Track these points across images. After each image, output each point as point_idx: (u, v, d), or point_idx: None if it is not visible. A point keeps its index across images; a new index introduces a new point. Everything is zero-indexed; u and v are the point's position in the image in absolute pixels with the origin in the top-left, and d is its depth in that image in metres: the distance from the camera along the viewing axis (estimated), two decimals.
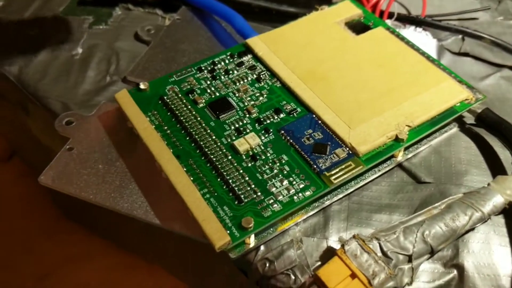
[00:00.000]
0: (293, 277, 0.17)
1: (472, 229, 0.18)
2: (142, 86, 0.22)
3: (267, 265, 0.18)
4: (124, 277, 0.30)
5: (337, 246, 0.18)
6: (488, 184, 0.18)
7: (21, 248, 0.32)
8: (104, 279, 0.31)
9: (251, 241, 0.18)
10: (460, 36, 0.26)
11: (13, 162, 0.37)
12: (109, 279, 0.30)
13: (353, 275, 0.16)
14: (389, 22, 0.26)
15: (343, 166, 0.18)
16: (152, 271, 0.30)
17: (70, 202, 0.32)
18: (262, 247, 0.18)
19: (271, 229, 0.18)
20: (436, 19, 0.28)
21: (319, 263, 0.18)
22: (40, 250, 0.32)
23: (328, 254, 0.18)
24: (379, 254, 0.17)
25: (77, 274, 0.31)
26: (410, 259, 0.17)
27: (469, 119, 0.21)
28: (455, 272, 0.17)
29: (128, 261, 0.31)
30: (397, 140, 0.19)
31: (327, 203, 0.19)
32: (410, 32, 0.26)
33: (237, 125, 0.20)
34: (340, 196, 0.19)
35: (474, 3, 0.30)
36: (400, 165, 0.20)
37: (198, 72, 0.22)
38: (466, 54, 0.26)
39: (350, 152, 0.19)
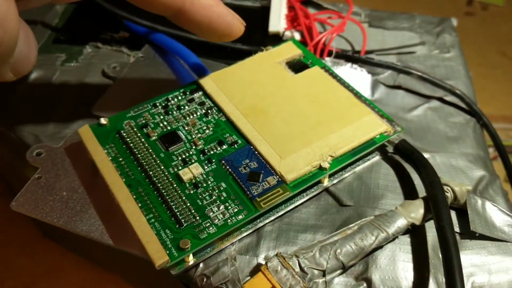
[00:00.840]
0: None
1: (381, 247, 0.21)
2: (102, 121, 0.24)
3: (205, 280, 0.20)
4: None
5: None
6: (396, 208, 0.21)
7: (1, 264, 0.34)
8: None
9: (190, 259, 0.20)
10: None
11: None
12: None
13: None
14: (328, 60, 0.29)
15: (272, 192, 0.21)
16: (122, 285, 0.33)
17: (46, 223, 0.35)
18: (201, 264, 0.21)
19: (209, 248, 0.21)
20: (377, 53, 0.31)
21: (249, 277, 0.20)
22: (19, 266, 0.34)
23: (256, 270, 0.20)
24: (297, 269, 0.19)
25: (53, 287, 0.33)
26: (324, 273, 0.19)
27: (391, 148, 0.24)
28: (365, 285, 0.20)
29: (100, 276, 0.33)
30: (320, 168, 0.22)
31: (260, 225, 0.22)
32: (347, 69, 0.28)
33: (183, 156, 0.23)
34: (272, 218, 0.22)
35: (414, 38, 0.33)
36: (327, 190, 0.23)
37: (153, 107, 0.25)
38: (399, 87, 0.29)
39: (280, 180, 0.22)
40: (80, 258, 0.34)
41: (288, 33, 0.31)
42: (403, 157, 0.23)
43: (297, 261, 0.20)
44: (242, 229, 0.21)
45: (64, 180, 0.24)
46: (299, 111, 0.24)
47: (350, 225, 0.21)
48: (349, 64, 0.29)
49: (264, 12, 0.33)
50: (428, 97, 0.28)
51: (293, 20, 0.32)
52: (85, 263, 0.34)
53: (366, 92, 0.28)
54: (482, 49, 0.53)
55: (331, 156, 0.22)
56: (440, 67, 0.31)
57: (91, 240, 0.31)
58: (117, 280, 0.33)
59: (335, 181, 0.23)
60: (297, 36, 0.31)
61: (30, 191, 0.23)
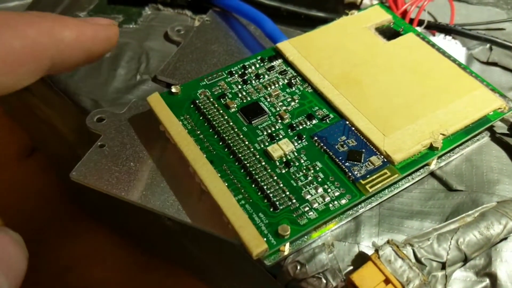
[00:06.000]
0: (324, 280, 0.18)
1: (505, 238, 0.18)
2: (174, 90, 0.22)
3: (298, 268, 0.18)
4: (142, 276, 0.31)
5: (369, 251, 0.18)
6: None
7: (39, 245, 0.32)
8: (123, 276, 0.31)
9: (286, 248, 0.18)
10: (487, 46, 0.26)
11: (33, 158, 0.37)
12: (128, 276, 0.31)
13: (387, 281, 0.17)
14: (418, 29, 0.26)
15: (378, 174, 0.19)
16: (171, 271, 0.30)
17: (90, 201, 0.33)
18: None
19: (305, 236, 0.18)
20: (463, 28, 0.28)
21: (351, 267, 0.18)
22: (58, 247, 0.32)
23: (360, 259, 0.18)
24: (413, 260, 0.17)
25: (96, 270, 0.31)
26: (443, 266, 0.17)
27: (499, 128, 0.22)
28: (488, 281, 0.17)
29: (147, 261, 0.31)
30: (431, 148, 0.19)
31: (361, 211, 0.19)
32: (440, 40, 0.25)
33: (269, 131, 0.20)
34: (374, 204, 0.19)
35: (500, 14, 0.30)
36: (432, 173, 0.21)
37: (229, 76, 0.23)
38: (494, 64, 0.26)
39: (385, 160, 0.19)
40: (125, 240, 0.32)
41: (367, 1, 0.28)
42: None
43: (411, 251, 0.17)
44: (342, 216, 0.19)
45: (130, 150, 0.21)
46: (398, 82, 0.21)
47: (469, 212, 0.18)
48: (442, 35, 0.26)
49: None
50: None
51: None
52: (131, 246, 0.32)
53: None
54: None
55: (443, 135, 0.19)
56: None
57: (143, 223, 0.29)
58: (168, 267, 0.31)
59: (442, 164, 0.20)
60: None
61: (93, 160, 0.21)
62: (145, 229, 0.30)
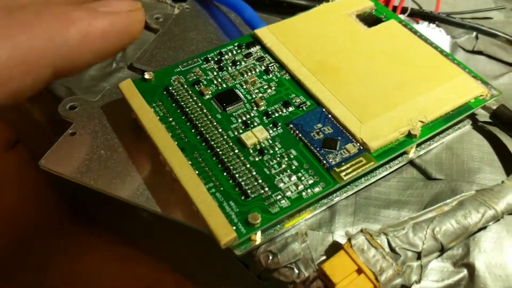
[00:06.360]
0: (296, 270, 0.17)
1: (484, 227, 0.17)
2: (147, 76, 0.21)
3: (270, 257, 0.17)
4: (124, 270, 0.30)
5: (343, 240, 0.18)
6: (502, 182, 0.18)
7: (18, 239, 0.31)
8: (103, 270, 0.30)
9: (257, 238, 0.17)
10: (473, 35, 0.26)
11: (16, 150, 0.37)
12: (108, 270, 0.30)
13: (359, 271, 0.16)
14: (402, 17, 0.25)
15: (353, 162, 0.18)
16: (154, 265, 0.30)
17: (71, 193, 0.32)
18: None
19: (278, 225, 0.18)
20: (449, 17, 0.27)
21: (324, 257, 0.17)
22: (37, 241, 0.31)
23: (334, 248, 0.17)
24: (387, 249, 0.16)
25: (75, 264, 0.30)
26: (419, 256, 0.16)
27: (481, 116, 0.21)
28: (465, 271, 0.17)
29: (130, 254, 0.30)
30: (409, 136, 0.19)
31: (336, 199, 0.19)
32: (423, 28, 0.25)
33: (244, 118, 0.20)
34: (350, 193, 0.19)
35: (488, 3, 0.29)
36: (411, 162, 0.20)
37: (204, 62, 0.22)
38: (480, 53, 0.25)
39: (361, 148, 0.18)
40: (108, 234, 0.32)
41: None
42: (503, 124, 0.20)
43: (386, 240, 0.17)
44: (316, 205, 0.18)
45: (101, 138, 0.21)
46: (377, 69, 0.21)
47: (447, 201, 0.18)
48: (425, 23, 0.25)
49: None
50: None
51: None
52: (114, 240, 0.31)
53: None
54: None
55: (421, 122, 0.19)
56: None
57: (123, 214, 0.28)
58: (151, 260, 0.30)
59: (422, 152, 0.20)
60: None
61: (63, 148, 0.20)
62: (126, 222, 0.29)
